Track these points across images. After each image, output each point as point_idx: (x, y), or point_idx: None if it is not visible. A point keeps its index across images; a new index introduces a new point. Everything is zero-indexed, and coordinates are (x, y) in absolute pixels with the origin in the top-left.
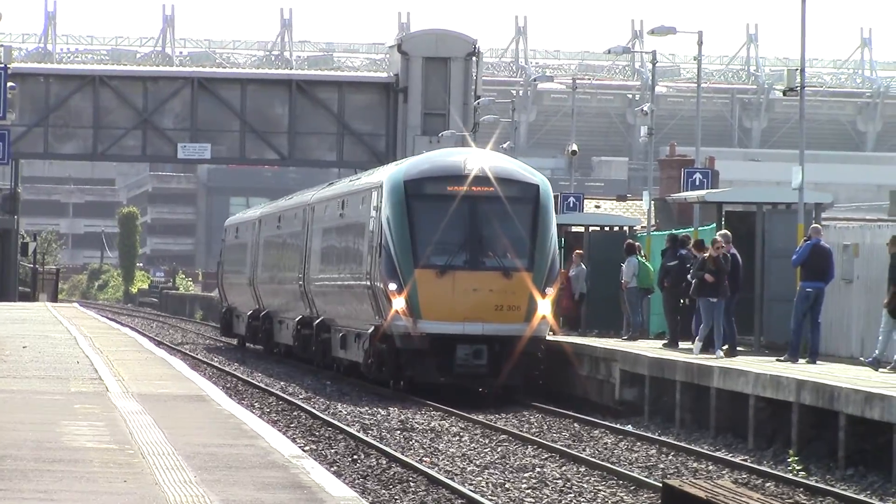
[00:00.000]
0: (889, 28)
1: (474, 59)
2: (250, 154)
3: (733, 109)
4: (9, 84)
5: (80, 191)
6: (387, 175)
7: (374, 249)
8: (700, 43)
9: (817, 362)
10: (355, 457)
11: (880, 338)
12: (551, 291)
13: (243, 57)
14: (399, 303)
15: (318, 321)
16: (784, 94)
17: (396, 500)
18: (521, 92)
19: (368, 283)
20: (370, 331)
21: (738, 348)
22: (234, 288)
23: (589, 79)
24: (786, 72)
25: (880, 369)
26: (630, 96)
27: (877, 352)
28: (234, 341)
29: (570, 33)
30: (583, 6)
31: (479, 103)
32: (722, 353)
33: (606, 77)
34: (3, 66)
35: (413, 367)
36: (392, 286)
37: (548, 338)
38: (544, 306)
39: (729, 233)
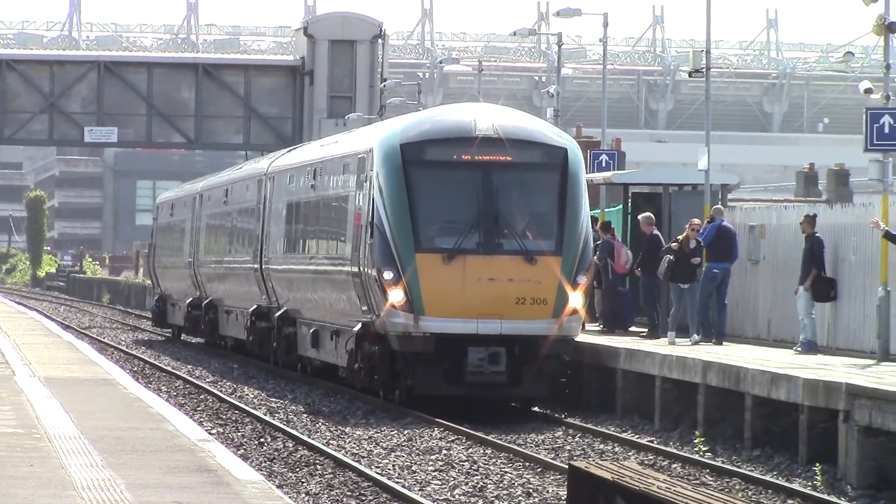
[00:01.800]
0: (795, 9)
1: (380, 41)
2: (157, 137)
3: (639, 91)
4: None
5: None
6: (378, 138)
7: (363, 229)
8: (606, 25)
9: (724, 343)
10: (262, 440)
11: (806, 321)
12: (584, 280)
13: (150, 41)
14: (396, 295)
15: (279, 313)
16: (690, 76)
17: (303, 483)
18: (427, 74)
19: (355, 269)
20: (356, 328)
21: (640, 329)
22: (170, 273)
23: (495, 61)
24: (691, 53)
25: (796, 348)
26: (536, 78)
27: (808, 335)
28: (168, 332)
29: (476, 16)
30: None
31: (385, 86)
32: (698, 339)
33: (512, 59)
34: None
35: (414, 374)
36: (387, 275)
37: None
38: (576, 299)
39: (652, 215)
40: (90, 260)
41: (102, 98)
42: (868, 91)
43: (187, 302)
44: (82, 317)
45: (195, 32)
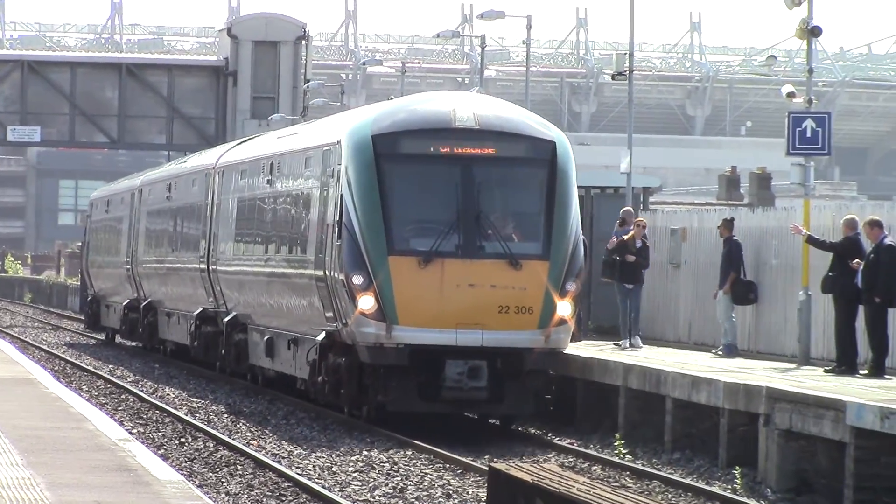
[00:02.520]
0: (718, 13)
1: (304, 42)
2: (80, 137)
3: (563, 93)
4: None
5: None
6: (347, 129)
7: (329, 229)
8: (529, 27)
9: (644, 346)
10: (182, 440)
11: (726, 325)
12: (574, 287)
13: (74, 40)
14: (366, 302)
15: (228, 318)
16: (613, 79)
17: (223, 482)
18: (350, 76)
19: (320, 272)
20: (320, 338)
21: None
22: (104, 273)
23: (418, 62)
24: (615, 56)
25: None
26: (459, 80)
27: (728, 339)
28: (102, 335)
29: (400, 17)
30: None
31: (308, 87)
32: (640, 342)
33: (436, 61)
34: None
35: (385, 390)
36: (356, 279)
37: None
38: (564, 308)
39: None
40: (12, 259)
41: (26, 97)
42: (791, 95)
43: (124, 304)
44: (3, 316)
45: (119, 32)
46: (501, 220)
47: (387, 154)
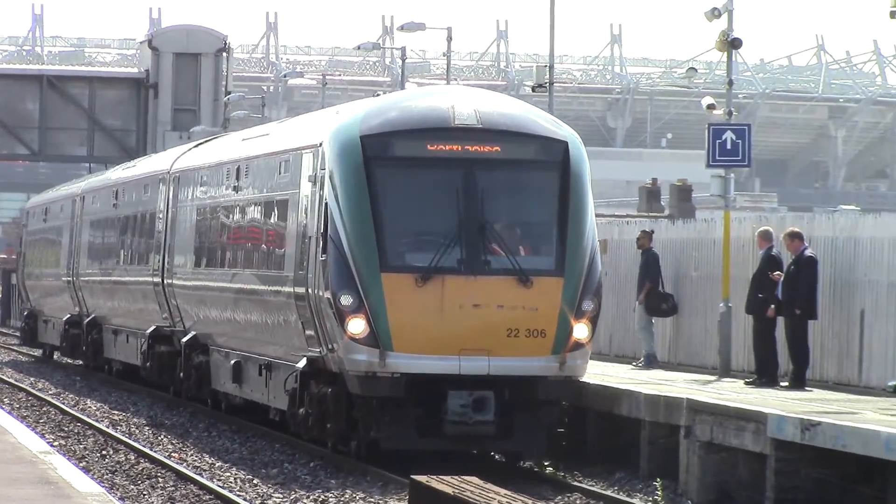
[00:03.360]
0: (639, 25)
1: (225, 55)
2: (1, 149)
3: None
4: None
5: None
6: (331, 129)
7: (311, 242)
8: (449, 39)
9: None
10: (104, 452)
11: (642, 335)
12: (591, 307)
13: None
14: (356, 325)
15: (187, 338)
16: (533, 90)
17: (144, 495)
18: (271, 88)
19: (300, 290)
20: (301, 364)
21: None
22: (42, 286)
23: (339, 74)
24: (535, 68)
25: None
26: (381, 92)
27: (647, 349)
28: (38, 352)
29: (321, 29)
30: (333, 2)
31: (229, 99)
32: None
33: (357, 73)
34: None
35: (379, 425)
36: (345, 300)
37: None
38: (581, 330)
39: None
40: None
41: None
42: (711, 107)
43: (64, 319)
44: None
45: (40, 44)
46: (509, 231)
47: (378, 157)
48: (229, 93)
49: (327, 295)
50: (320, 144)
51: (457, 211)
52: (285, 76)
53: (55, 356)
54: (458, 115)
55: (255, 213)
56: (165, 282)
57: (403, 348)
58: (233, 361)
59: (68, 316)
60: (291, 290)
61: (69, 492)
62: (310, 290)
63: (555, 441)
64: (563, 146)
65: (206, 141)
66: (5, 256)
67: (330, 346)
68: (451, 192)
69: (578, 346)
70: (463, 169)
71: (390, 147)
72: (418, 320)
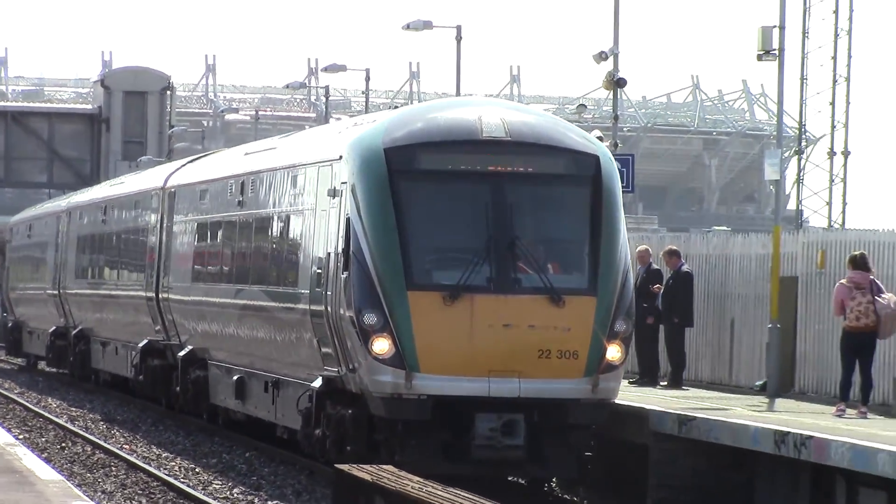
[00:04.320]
0: (536, 65)
1: (168, 92)
2: None
3: None
4: None
5: None
6: (351, 141)
7: (332, 257)
8: (367, 79)
9: None
10: (63, 444)
11: None
12: (624, 327)
13: None
14: (381, 345)
15: (184, 353)
16: None
17: (100, 482)
18: (210, 122)
19: (318, 307)
20: (317, 384)
21: None
22: (27, 299)
23: (270, 111)
24: None
25: None
26: (307, 127)
27: None
28: (22, 361)
29: (253, 70)
30: (265, 44)
31: (172, 132)
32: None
33: (286, 109)
34: None
35: (403, 449)
36: (368, 318)
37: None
38: (614, 351)
39: None
40: None
41: None
42: (599, 139)
43: (50, 331)
44: None
45: (4, 84)
46: (540, 248)
47: (403, 170)
48: (173, 126)
49: (350, 313)
50: (339, 157)
51: (486, 226)
52: (222, 112)
53: (38, 365)
54: (485, 127)
55: (263, 228)
56: (160, 296)
57: (430, 369)
58: (235, 377)
59: (54, 328)
60: (307, 307)
61: (33, 479)
62: (329, 308)
63: (586, 466)
64: (595, 160)
65: (202, 157)
66: None
67: (350, 366)
68: (480, 207)
69: (611, 367)
70: (492, 183)
71: (416, 160)
72: (446, 340)
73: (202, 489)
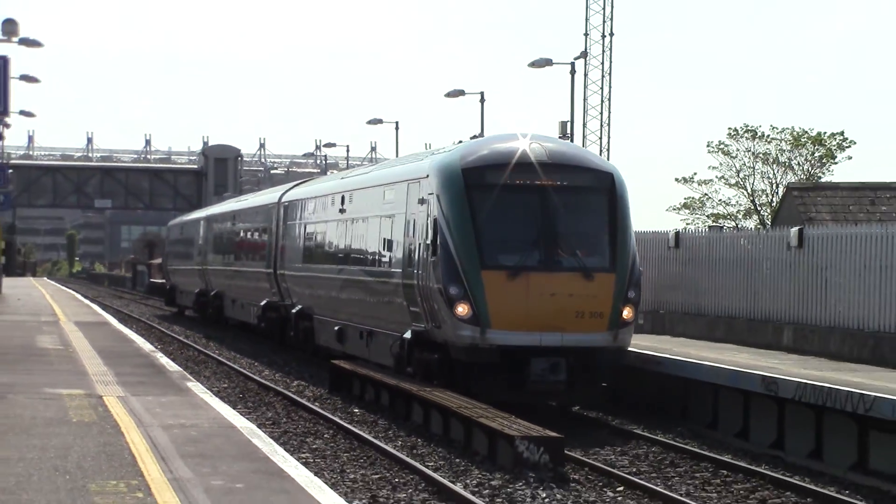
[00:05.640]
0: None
1: (238, 158)
2: (136, 205)
3: None
4: None
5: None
6: (434, 163)
7: (421, 246)
8: (348, 150)
9: None
10: (182, 351)
11: None
12: (633, 295)
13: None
14: (463, 309)
15: (296, 309)
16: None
17: (202, 372)
18: (262, 174)
19: (409, 281)
20: (407, 334)
21: None
22: (179, 271)
23: (295, 168)
24: None
25: None
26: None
27: None
28: (175, 309)
29: (286, 143)
30: (290, 130)
31: (241, 181)
32: None
33: (303, 167)
34: None
35: (480, 383)
36: (453, 290)
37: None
38: (628, 312)
39: None
40: (99, 265)
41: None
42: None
43: (195, 291)
44: (92, 292)
45: (149, 153)
46: (574, 239)
47: (475, 184)
48: (241, 178)
49: (438, 286)
50: (426, 176)
51: (535, 224)
52: (269, 169)
53: (186, 313)
54: (532, 153)
55: (361, 227)
56: (277, 271)
57: (498, 326)
58: (336, 328)
59: (198, 289)
60: (400, 281)
61: (165, 370)
62: (419, 282)
63: (608, 395)
64: (611, 176)
65: (304, 182)
66: (133, 257)
67: (436, 324)
68: (531, 210)
69: (626, 324)
70: (538, 193)
71: (485, 176)
72: (509, 305)
73: (258, 374)
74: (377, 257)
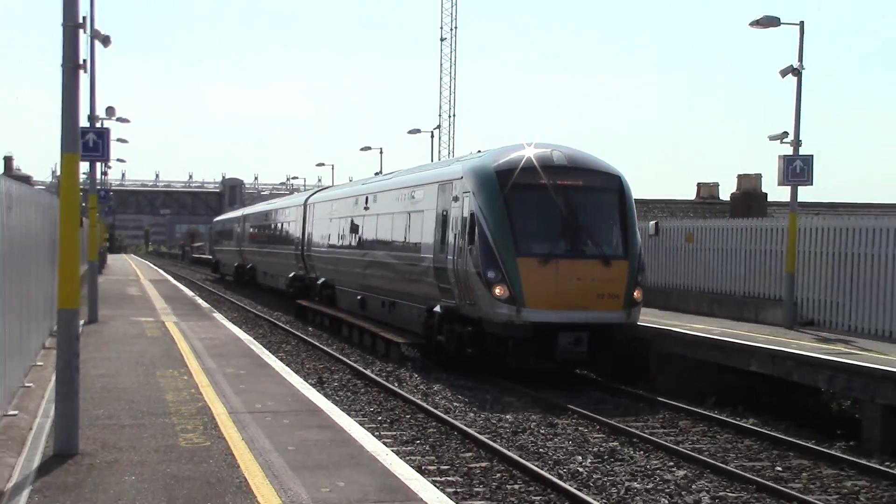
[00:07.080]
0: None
1: (244, 185)
2: (163, 208)
3: None
4: None
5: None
6: (468, 166)
7: (458, 237)
8: (319, 178)
9: None
10: (211, 295)
11: None
12: (641, 278)
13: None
14: (500, 291)
15: (321, 281)
16: None
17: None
18: (255, 194)
19: (440, 265)
20: (437, 308)
21: None
22: (223, 252)
23: (276, 191)
24: None
25: None
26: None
27: None
28: (218, 275)
29: (272, 171)
30: (279, 161)
31: (244, 200)
32: None
33: (287, 191)
34: None
35: (515, 353)
36: (491, 275)
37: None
38: (638, 294)
39: None
40: (166, 247)
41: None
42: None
43: (234, 265)
44: (156, 262)
45: (191, 184)
46: (593, 231)
47: (508, 184)
48: (244, 198)
49: (476, 270)
50: (461, 177)
51: (561, 218)
52: (260, 192)
53: (226, 278)
54: (555, 159)
55: (384, 219)
56: (304, 252)
57: (531, 306)
58: (359, 297)
59: (236, 264)
60: (430, 264)
61: (199, 306)
62: (454, 267)
63: (620, 363)
64: (619, 178)
65: (323, 189)
66: (182, 242)
67: (469, 301)
68: (555, 206)
69: (636, 303)
70: (562, 192)
71: (515, 177)
72: (541, 288)
73: (255, 309)
74: (406, 244)
